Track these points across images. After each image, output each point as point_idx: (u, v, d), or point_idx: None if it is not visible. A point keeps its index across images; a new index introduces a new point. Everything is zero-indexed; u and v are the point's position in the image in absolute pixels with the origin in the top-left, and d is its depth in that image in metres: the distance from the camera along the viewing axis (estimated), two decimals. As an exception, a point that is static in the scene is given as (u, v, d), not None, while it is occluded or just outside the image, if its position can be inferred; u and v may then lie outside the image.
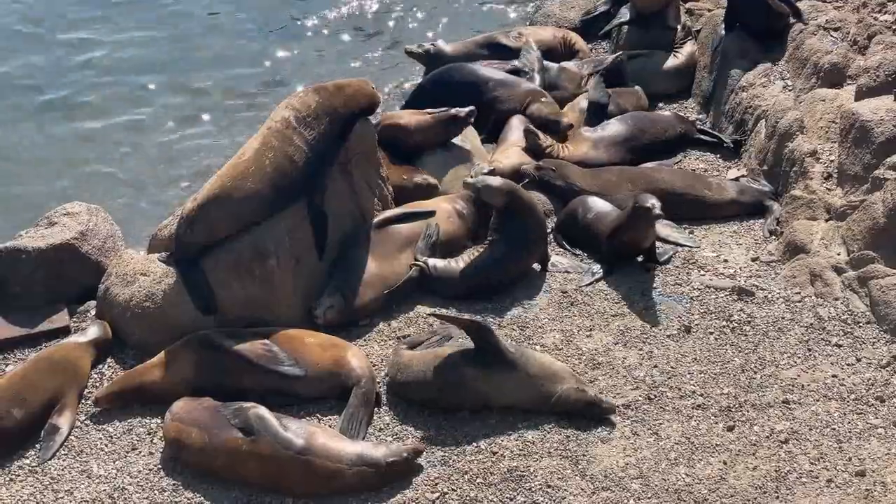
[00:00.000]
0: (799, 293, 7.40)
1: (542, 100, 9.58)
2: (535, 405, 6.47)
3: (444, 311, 7.20)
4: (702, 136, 9.39)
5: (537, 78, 10.00)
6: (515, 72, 10.04)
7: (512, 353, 6.51)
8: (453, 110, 8.90)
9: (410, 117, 9.08)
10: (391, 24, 13.04)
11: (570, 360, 6.92)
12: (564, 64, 10.41)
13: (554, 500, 5.92)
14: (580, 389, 6.43)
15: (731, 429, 6.31)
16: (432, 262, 7.62)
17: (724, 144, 9.20)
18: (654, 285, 7.60)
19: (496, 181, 7.73)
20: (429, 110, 9.06)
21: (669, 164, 9.09)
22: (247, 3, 13.72)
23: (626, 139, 9.19)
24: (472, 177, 8.54)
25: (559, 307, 7.44)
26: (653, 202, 7.37)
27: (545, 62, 10.29)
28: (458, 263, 7.62)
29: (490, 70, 9.92)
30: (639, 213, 7.43)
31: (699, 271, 7.72)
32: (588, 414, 6.41)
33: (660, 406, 6.53)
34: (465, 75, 9.85)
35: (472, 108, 8.90)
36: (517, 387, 6.46)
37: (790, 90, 8.88)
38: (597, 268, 7.79)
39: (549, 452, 6.23)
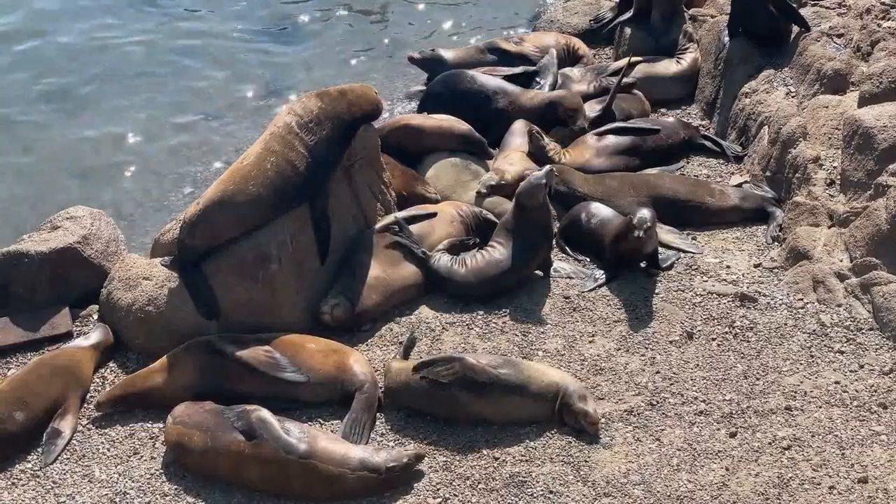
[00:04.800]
0: (801, 299, 7.39)
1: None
2: (535, 420, 6.47)
3: (422, 361, 6.75)
4: (705, 143, 9.38)
5: (547, 87, 9.99)
6: (515, 77, 10.08)
7: (504, 376, 6.46)
8: (480, 138, 9.16)
9: (425, 120, 9.23)
10: (394, 29, 13.05)
11: (573, 365, 6.92)
12: (565, 70, 10.41)
13: (556, 506, 5.92)
14: (569, 414, 6.39)
15: (733, 435, 6.31)
16: (439, 255, 7.64)
17: (728, 155, 9.18)
18: (657, 291, 7.59)
19: (539, 178, 7.64)
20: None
21: (672, 170, 9.09)
22: (250, 8, 13.73)
23: (629, 146, 9.18)
24: (479, 184, 8.59)
25: (561, 313, 7.44)
26: (641, 216, 7.38)
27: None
28: (461, 267, 7.61)
29: (494, 80, 9.92)
30: (629, 226, 7.45)
31: (702, 277, 7.71)
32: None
33: (662, 412, 6.53)
34: (471, 84, 9.85)
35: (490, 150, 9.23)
36: (512, 409, 6.47)
37: (793, 96, 8.88)
38: (599, 273, 7.78)
39: (551, 458, 6.22)
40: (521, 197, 7.66)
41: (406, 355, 7.01)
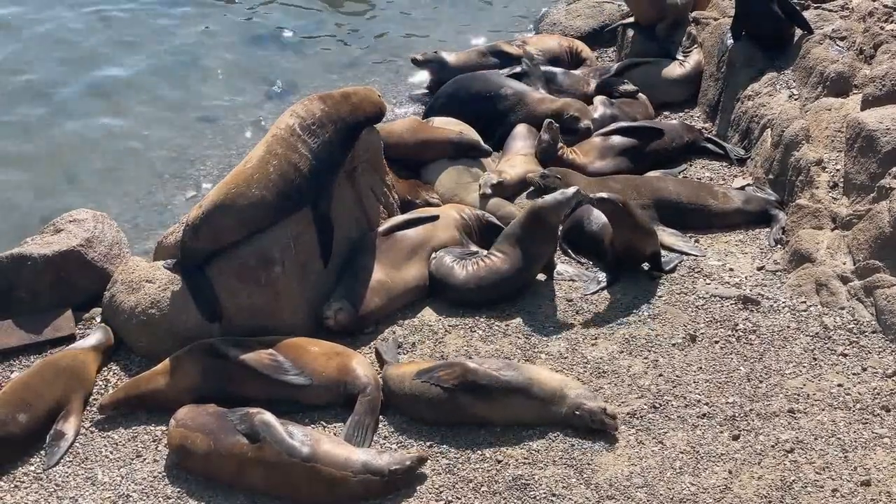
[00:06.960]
0: (804, 302, 7.39)
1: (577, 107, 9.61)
2: (539, 423, 6.47)
3: (427, 365, 6.73)
4: (708, 145, 9.38)
5: (539, 87, 9.99)
6: (517, 76, 10.08)
7: (509, 378, 6.46)
8: (477, 142, 9.04)
9: (418, 132, 9.18)
10: (397, 32, 13.05)
11: (575, 368, 6.92)
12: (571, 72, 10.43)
13: (558, 509, 5.92)
14: (583, 412, 6.37)
15: (736, 438, 6.30)
16: (441, 254, 7.62)
17: (731, 158, 9.18)
18: (659, 294, 7.59)
19: (568, 195, 7.54)
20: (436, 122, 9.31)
21: (675, 172, 9.09)
22: (250, 11, 13.74)
23: (633, 148, 9.18)
24: (480, 186, 8.57)
25: (564, 315, 7.44)
26: (598, 195, 7.44)
27: (549, 68, 10.31)
28: (461, 270, 7.59)
29: (501, 80, 9.90)
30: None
31: (705, 280, 7.71)
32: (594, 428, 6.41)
33: (665, 415, 6.52)
34: (478, 87, 9.84)
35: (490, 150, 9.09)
36: (517, 411, 6.47)
37: (796, 99, 8.88)
38: (602, 276, 7.78)
39: (554, 461, 6.22)
40: (545, 211, 7.51)
41: (392, 358, 7.00)
